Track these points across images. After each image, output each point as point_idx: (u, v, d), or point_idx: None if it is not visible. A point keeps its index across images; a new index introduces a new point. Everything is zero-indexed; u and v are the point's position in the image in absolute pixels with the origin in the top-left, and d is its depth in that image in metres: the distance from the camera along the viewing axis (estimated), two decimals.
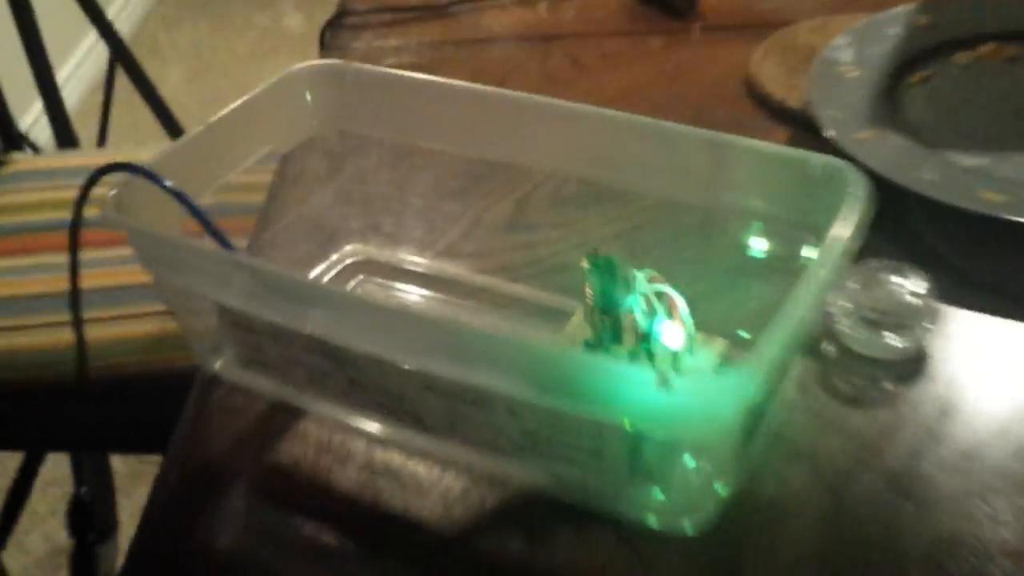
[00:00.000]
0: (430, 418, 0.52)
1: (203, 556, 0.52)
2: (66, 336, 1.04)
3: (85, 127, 1.72)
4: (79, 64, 2.47)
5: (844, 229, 0.49)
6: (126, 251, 0.57)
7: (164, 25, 2.82)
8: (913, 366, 0.58)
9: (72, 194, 0.58)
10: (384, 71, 0.65)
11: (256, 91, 0.63)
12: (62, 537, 1.61)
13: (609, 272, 0.55)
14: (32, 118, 2.18)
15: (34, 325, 1.05)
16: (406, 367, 0.49)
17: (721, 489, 0.51)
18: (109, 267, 1.09)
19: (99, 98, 1.67)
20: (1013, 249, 0.63)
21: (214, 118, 0.61)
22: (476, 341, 0.47)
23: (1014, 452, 0.53)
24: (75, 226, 0.60)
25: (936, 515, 0.50)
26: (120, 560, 1.67)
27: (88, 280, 1.06)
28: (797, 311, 0.45)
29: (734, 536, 0.50)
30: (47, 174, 1.28)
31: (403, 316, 0.49)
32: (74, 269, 0.62)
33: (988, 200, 0.63)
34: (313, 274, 0.66)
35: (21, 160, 1.33)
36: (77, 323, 0.67)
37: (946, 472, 0.52)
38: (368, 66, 0.65)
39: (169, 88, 1.54)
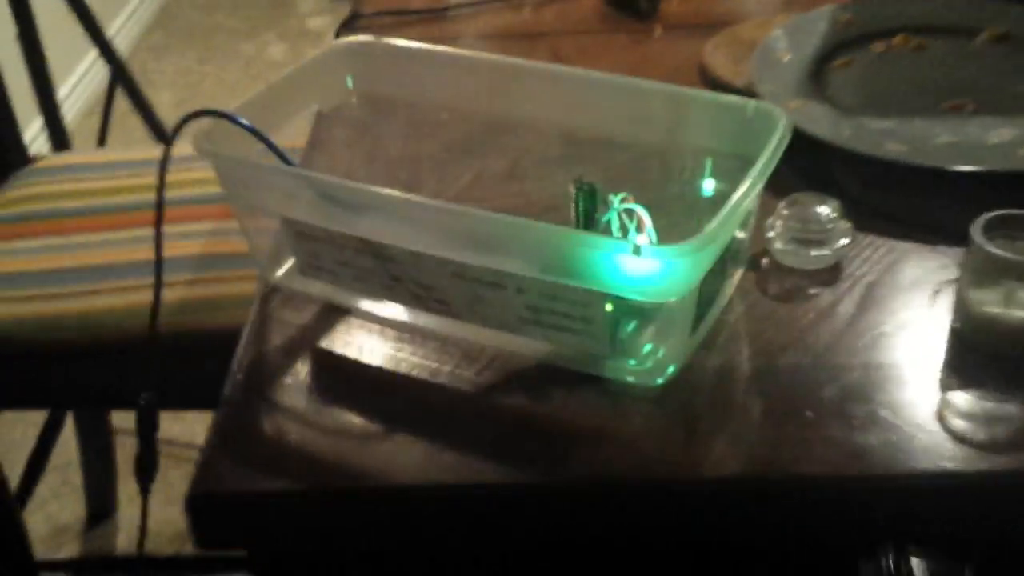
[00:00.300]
0: (455, 303, 0.66)
1: (270, 442, 0.65)
2: (103, 301, 1.18)
3: (81, 143, 1.86)
4: (75, 85, 2.61)
5: (772, 148, 0.65)
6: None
7: (153, 55, 2.96)
8: (831, 274, 0.73)
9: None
10: (405, 44, 0.80)
11: (304, 61, 0.78)
12: (63, 517, 1.73)
13: (590, 195, 0.70)
14: (30, 136, 2.32)
15: (72, 294, 1.19)
16: (439, 256, 0.64)
17: (679, 356, 0.66)
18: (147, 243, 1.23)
19: (93, 120, 1.79)
20: (910, 188, 0.79)
21: (273, 80, 0.76)
22: (495, 226, 0.61)
23: (904, 332, 0.68)
24: (162, 171, 0.74)
25: (843, 377, 0.65)
26: (119, 539, 1.80)
27: (136, 254, 1.22)
28: (736, 203, 0.61)
29: (689, 390, 0.65)
30: (73, 167, 1.42)
31: (439, 209, 0.63)
32: (159, 225, 0.76)
33: (893, 150, 0.79)
34: None
35: (49, 157, 1.47)
36: (157, 284, 0.79)
37: (854, 350, 0.67)
38: (392, 40, 0.81)
39: (160, 113, 1.67)
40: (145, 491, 0.82)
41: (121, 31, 2.91)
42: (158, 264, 0.77)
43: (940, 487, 0.60)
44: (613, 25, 1.07)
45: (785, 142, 0.66)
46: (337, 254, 0.69)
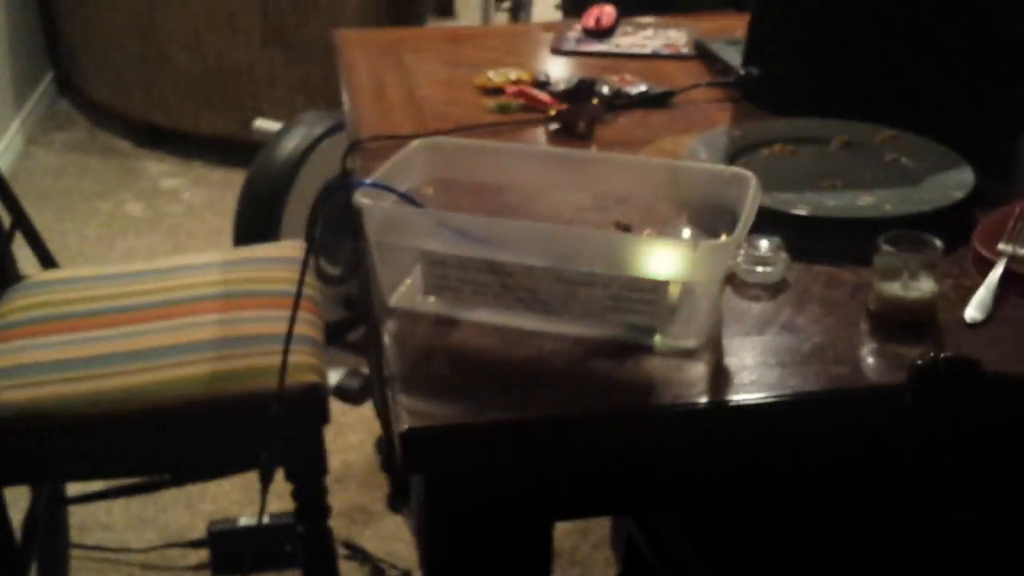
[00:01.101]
0: (553, 301, 0.96)
1: (443, 395, 0.93)
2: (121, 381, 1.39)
3: None
4: None
5: (751, 195, 0.99)
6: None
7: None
8: (777, 285, 1.07)
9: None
10: (463, 141, 1.11)
11: (396, 156, 1.08)
12: None
13: (627, 230, 1.03)
14: None
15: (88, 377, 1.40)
16: (545, 266, 0.94)
17: (706, 330, 0.98)
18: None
19: None
20: (813, 232, 1.15)
21: (379, 169, 1.05)
22: (588, 240, 0.93)
23: (836, 313, 1.03)
24: (309, 247, 1.02)
25: (805, 342, 0.99)
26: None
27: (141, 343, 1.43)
28: (745, 220, 0.94)
29: (715, 351, 0.97)
30: (67, 281, 1.62)
31: (549, 230, 0.94)
32: (298, 294, 1.03)
33: (800, 210, 1.16)
34: None
35: (41, 273, 1.67)
36: (284, 353, 1.06)
37: (796, 327, 1.01)
38: (455, 139, 1.11)
39: (27, 270, 1.77)
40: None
41: None
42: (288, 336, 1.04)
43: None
44: (561, 144, 1.40)
45: (759, 193, 1.00)
46: (462, 274, 0.98)
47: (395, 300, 1.03)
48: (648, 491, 1.00)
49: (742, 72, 1.50)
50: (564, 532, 2.02)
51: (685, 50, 1.70)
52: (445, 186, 1.11)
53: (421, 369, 0.96)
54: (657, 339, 0.97)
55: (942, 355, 0.75)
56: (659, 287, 0.94)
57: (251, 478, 1.26)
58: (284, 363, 1.07)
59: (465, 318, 1.01)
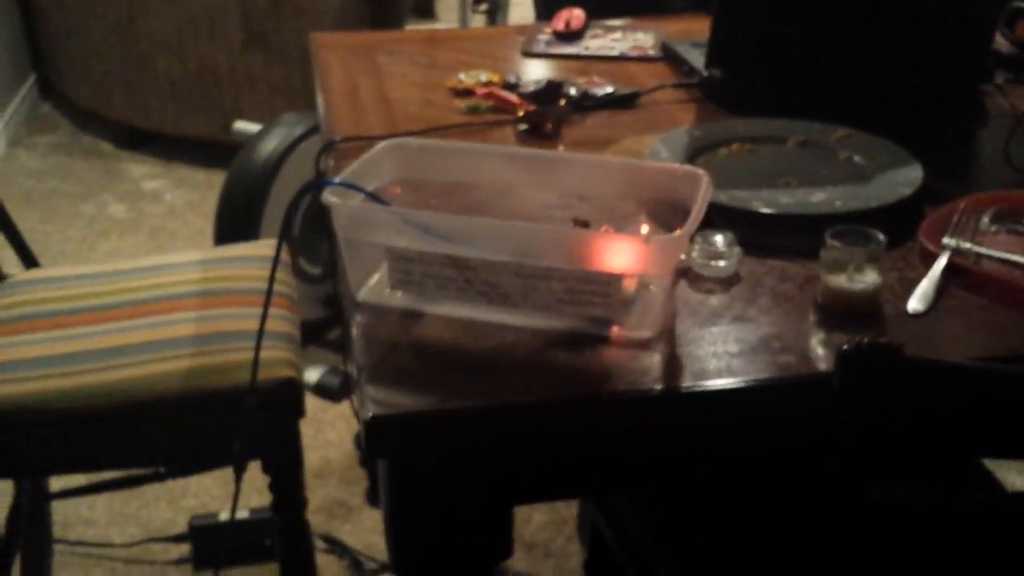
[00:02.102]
0: (513, 294, 1.00)
1: (408, 384, 0.97)
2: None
3: None
4: None
5: (703, 190, 1.04)
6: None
7: None
8: (730, 278, 1.12)
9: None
10: (429, 142, 1.16)
11: (365, 155, 1.12)
12: None
13: (585, 226, 1.07)
14: None
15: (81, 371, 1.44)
16: (505, 260, 0.98)
17: (662, 320, 1.02)
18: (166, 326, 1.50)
19: None
20: (767, 227, 1.19)
21: (347, 169, 1.09)
22: (544, 236, 0.97)
23: (784, 305, 1.07)
24: (275, 263, 1.06)
25: (755, 332, 1.03)
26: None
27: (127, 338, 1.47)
28: (696, 215, 0.99)
29: (669, 341, 1.01)
30: (50, 280, 1.65)
31: (508, 227, 0.98)
32: (269, 292, 1.07)
33: (757, 206, 1.20)
34: None
35: (24, 272, 1.71)
36: (256, 348, 1.10)
37: (747, 318, 1.06)
38: (421, 140, 1.16)
39: (10, 270, 1.80)
40: None
41: None
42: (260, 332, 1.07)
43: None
44: (527, 144, 1.45)
45: (711, 190, 1.05)
46: (425, 269, 1.02)
47: (363, 295, 1.07)
48: (604, 475, 1.04)
49: (705, 74, 1.55)
50: (540, 525, 2.07)
51: (652, 52, 1.74)
52: (413, 185, 1.15)
53: (387, 360, 1.00)
54: (618, 327, 1.02)
55: (865, 341, 0.80)
56: (613, 280, 0.98)
57: (232, 474, 1.30)
58: (256, 358, 1.11)
59: (430, 311, 1.05)
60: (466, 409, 0.94)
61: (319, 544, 1.98)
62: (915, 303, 1.06)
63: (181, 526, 2.04)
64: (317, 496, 2.12)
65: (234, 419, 1.32)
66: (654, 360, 1.00)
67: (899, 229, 1.16)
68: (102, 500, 2.10)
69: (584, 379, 0.98)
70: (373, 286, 1.07)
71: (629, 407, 0.97)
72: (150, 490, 2.12)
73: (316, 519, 2.02)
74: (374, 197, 1.04)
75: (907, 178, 1.26)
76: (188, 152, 3.47)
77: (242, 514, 1.98)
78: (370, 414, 0.92)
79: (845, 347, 0.81)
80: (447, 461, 0.99)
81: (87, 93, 3.59)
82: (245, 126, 2.95)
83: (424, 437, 0.95)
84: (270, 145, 2.40)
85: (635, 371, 0.98)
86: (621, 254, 0.96)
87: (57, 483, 1.95)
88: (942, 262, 1.11)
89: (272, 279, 1.08)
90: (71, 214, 3.19)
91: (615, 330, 1.02)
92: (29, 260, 1.82)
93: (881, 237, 1.06)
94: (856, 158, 1.33)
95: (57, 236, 3.07)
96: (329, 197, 1.01)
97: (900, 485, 0.89)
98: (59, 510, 2.03)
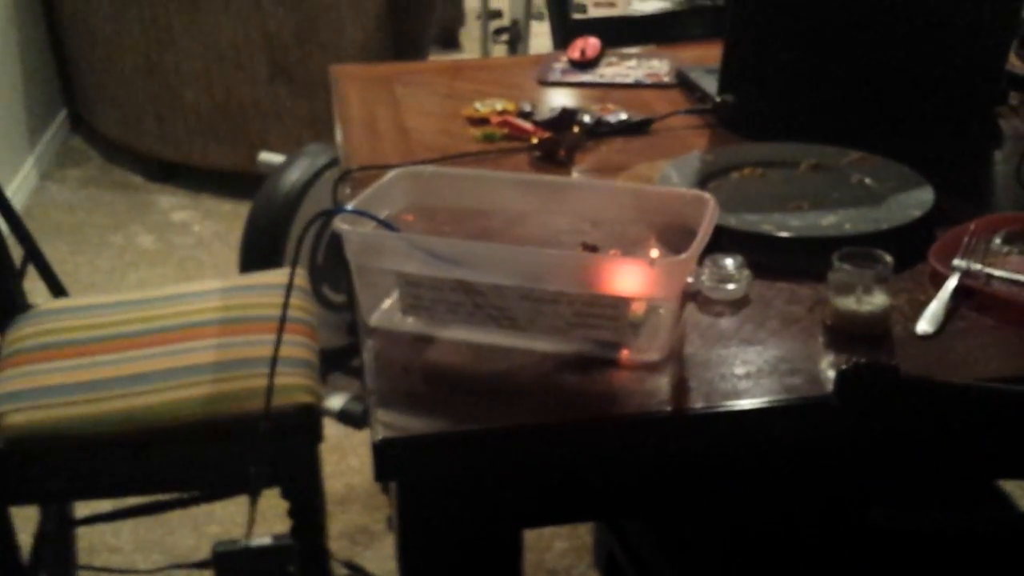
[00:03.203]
0: (521, 318, 1.01)
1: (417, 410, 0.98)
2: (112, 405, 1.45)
3: None
4: None
5: (709, 215, 1.04)
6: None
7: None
8: (739, 301, 1.12)
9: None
10: (441, 169, 1.17)
11: (378, 183, 1.13)
12: None
13: (594, 250, 1.08)
14: None
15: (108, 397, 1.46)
16: (513, 285, 1.00)
17: (669, 343, 1.03)
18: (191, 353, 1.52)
19: None
20: (776, 250, 1.20)
21: (359, 196, 1.11)
22: (552, 260, 0.98)
23: (793, 327, 1.08)
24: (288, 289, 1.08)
25: (762, 353, 1.04)
26: None
27: (152, 365, 1.49)
28: (701, 239, 1.00)
29: (678, 363, 1.02)
30: (75, 309, 1.68)
31: (516, 251, 0.99)
32: (284, 309, 1.08)
33: (762, 231, 1.21)
34: None
35: (50, 302, 1.74)
36: (271, 374, 1.11)
37: (756, 341, 1.06)
38: (433, 167, 1.17)
39: (38, 300, 1.82)
40: None
41: None
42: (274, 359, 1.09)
43: None
44: (542, 171, 1.46)
45: (717, 213, 1.06)
46: (435, 294, 1.03)
47: (375, 320, 1.09)
48: (613, 498, 1.05)
49: (717, 99, 1.56)
50: (560, 552, 2.07)
51: (667, 79, 1.76)
52: (426, 213, 1.17)
53: (398, 384, 1.01)
54: (625, 351, 1.03)
55: (862, 361, 0.80)
56: (620, 303, 0.99)
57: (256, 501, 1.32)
58: (271, 384, 1.13)
59: (440, 336, 1.06)
60: (476, 432, 0.95)
61: (341, 570, 1.99)
62: (924, 325, 1.06)
63: (205, 552, 2.04)
64: (339, 522, 2.13)
65: (252, 445, 1.33)
66: (663, 383, 1.01)
67: (910, 251, 1.17)
68: (127, 527, 2.12)
69: (593, 402, 0.99)
70: (385, 311, 1.09)
71: (638, 430, 0.98)
72: (174, 517, 2.14)
73: (338, 545, 2.04)
74: (385, 224, 1.05)
75: (918, 200, 1.27)
76: (215, 183, 3.51)
77: (265, 540, 2.00)
78: (379, 437, 0.93)
79: (843, 367, 0.82)
80: (457, 484, 1.00)
81: (117, 127, 3.64)
82: (269, 157, 2.98)
83: (434, 460, 0.96)
84: (293, 175, 2.43)
85: (644, 394, 0.99)
86: (627, 277, 0.97)
87: (82, 509, 1.97)
88: (952, 283, 1.11)
89: (286, 306, 1.09)
90: (101, 245, 3.23)
91: (624, 353, 1.03)
92: (58, 290, 1.85)
93: (889, 259, 1.07)
94: (868, 181, 1.34)
95: (87, 267, 3.11)
96: (341, 224, 1.03)
97: (911, 506, 0.89)
98: (84, 536, 2.05)
